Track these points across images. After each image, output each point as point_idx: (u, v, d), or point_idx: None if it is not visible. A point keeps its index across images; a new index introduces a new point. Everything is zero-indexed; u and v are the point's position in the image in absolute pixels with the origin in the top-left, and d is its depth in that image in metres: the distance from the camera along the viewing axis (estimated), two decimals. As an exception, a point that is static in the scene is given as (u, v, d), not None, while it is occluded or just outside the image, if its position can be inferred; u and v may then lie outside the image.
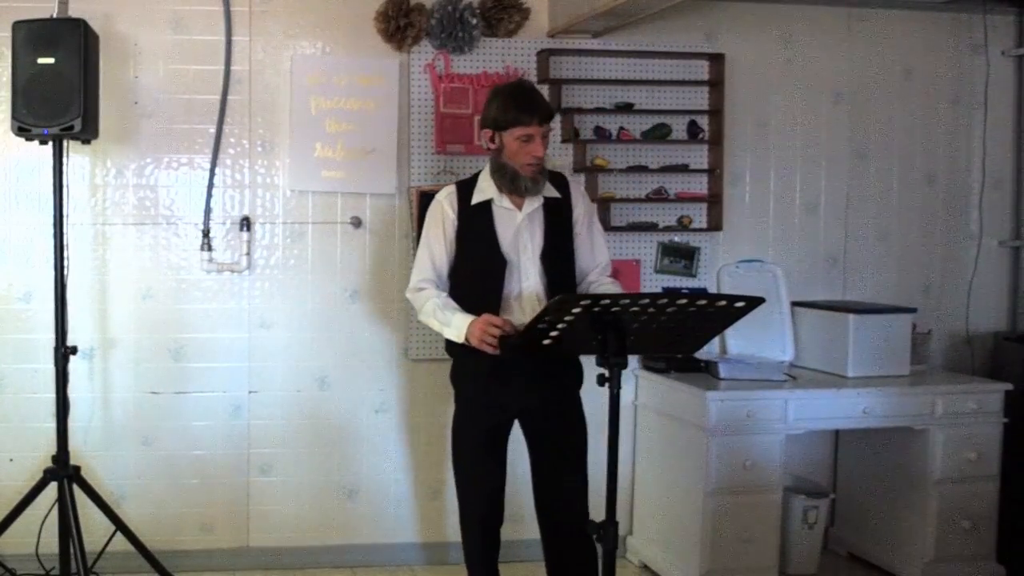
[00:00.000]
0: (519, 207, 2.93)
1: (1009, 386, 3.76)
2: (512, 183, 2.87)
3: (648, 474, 3.96)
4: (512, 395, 2.92)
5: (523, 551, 3.76)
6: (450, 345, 2.99)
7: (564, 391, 2.97)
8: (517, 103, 2.84)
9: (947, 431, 3.68)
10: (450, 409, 3.94)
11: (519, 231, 2.92)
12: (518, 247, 2.91)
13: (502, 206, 2.93)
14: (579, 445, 2.99)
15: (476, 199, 2.94)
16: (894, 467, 3.86)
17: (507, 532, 3.14)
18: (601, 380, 2.39)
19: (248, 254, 3.83)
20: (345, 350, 3.92)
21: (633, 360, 3.86)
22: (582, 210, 3.02)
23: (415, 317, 3.86)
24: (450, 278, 2.99)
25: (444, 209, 2.96)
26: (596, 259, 3.05)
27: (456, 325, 2.82)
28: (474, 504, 3.02)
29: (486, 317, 2.76)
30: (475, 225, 2.93)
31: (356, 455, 3.96)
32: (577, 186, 3.09)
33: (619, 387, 2.39)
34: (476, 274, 2.93)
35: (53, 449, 3.41)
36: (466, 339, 2.79)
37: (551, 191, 2.96)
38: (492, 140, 2.90)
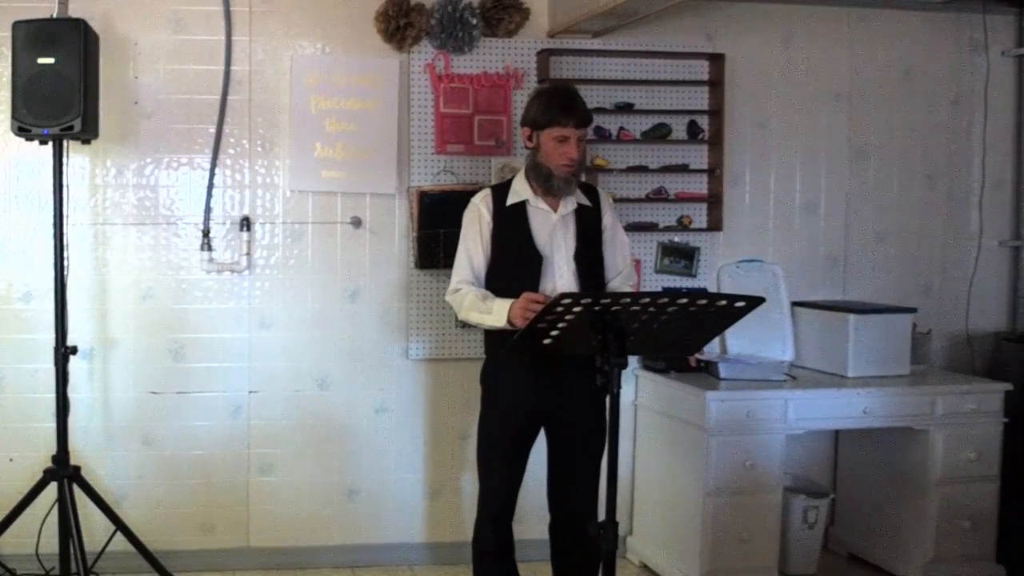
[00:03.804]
0: (554, 208, 2.99)
1: (1009, 386, 3.76)
2: (546, 182, 2.95)
3: (648, 474, 3.96)
4: (545, 396, 2.95)
5: (524, 551, 3.75)
6: (489, 343, 3.05)
7: (594, 394, 2.96)
8: (556, 104, 2.92)
9: (947, 431, 3.68)
10: (449, 409, 3.99)
11: (554, 231, 2.98)
12: (552, 246, 2.97)
13: (537, 207, 2.99)
14: (600, 449, 3.02)
15: (511, 200, 3.00)
16: (894, 467, 3.86)
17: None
18: (600, 380, 2.39)
19: (248, 254, 3.83)
20: (345, 350, 3.92)
21: (633, 360, 3.86)
22: (610, 219, 3.10)
23: (415, 317, 3.90)
24: (489, 277, 3.02)
25: (480, 211, 3.01)
26: (617, 266, 3.13)
27: (497, 311, 2.86)
28: (491, 503, 3.05)
29: (526, 294, 2.80)
30: (510, 224, 2.98)
31: (356, 455, 3.96)
32: (606, 197, 3.15)
33: (619, 387, 2.39)
34: (512, 271, 2.97)
35: (53, 449, 3.41)
36: (509, 321, 2.81)
37: (583, 199, 3.04)
38: (530, 139, 2.98)
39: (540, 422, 3.05)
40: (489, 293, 2.96)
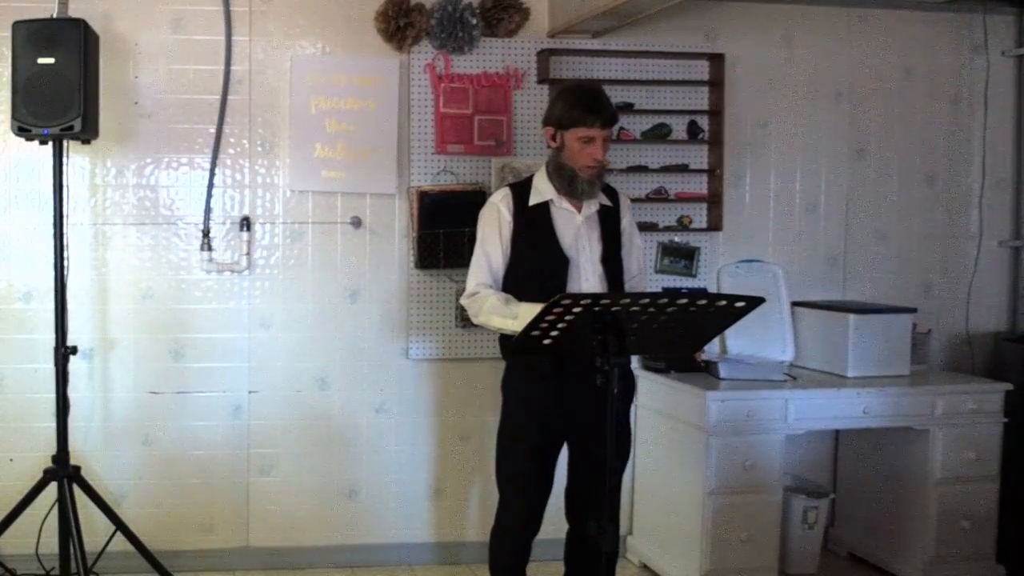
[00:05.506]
0: (578, 210, 2.93)
1: (1009, 386, 3.76)
2: (570, 184, 2.88)
3: (648, 474, 3.96)
4: (568, 403, 2.87)
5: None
6: (507, 347, 2.97)
7: (618, 402, 2.92)
8: (582, 104, 2.83)
9: (947, 431, 3.68)
10: (449, 409, 3.99)
11: (579, 233, 2.92)
12: (578, 248, 2.91)
13: (561, 207, 2.93)
14: (624, 459, 3.00)
15: (534, 200, 2.93)
16: (894, 467, 3.86)
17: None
18: (600, 380, 2.37)
19: (248, 254, 3.83)
20: (345, 350, 3.92)
21: (633, 360, 3.86)
22: (628, 221, 3.06)
23: (415, 317, 3.90)
24: (508, 280, 2.94)
25: (500, 211, 2.93)
26: (631, 269, 3.07)
27: (524, 315, 2.72)
28: (516, 515, 2.98)
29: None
30: (534, 226, 2.91)
31: (356, 455, 3.96)
32: (625, 198, 3.10)
33: (619, 387, 2.38)
34: (537, 274, 2.88)
35: (53, 449, 3.41)
36: None
37: (603, 199, 2.98)
38: (553, 139, 2.90)
39: (563, 431, 2.96)
40: (511, 297, 2.87)
